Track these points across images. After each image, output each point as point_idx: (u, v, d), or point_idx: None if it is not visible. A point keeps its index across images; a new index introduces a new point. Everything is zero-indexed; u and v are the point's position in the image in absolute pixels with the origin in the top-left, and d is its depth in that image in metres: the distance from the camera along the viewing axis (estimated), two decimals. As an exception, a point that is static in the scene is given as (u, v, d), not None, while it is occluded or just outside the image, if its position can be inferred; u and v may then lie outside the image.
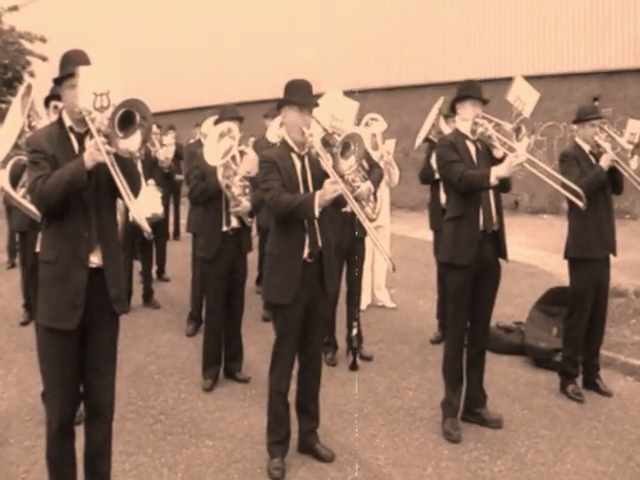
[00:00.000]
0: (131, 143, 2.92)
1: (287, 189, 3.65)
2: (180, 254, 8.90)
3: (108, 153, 2.86)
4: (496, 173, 3.96)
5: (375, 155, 5.72)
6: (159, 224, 7.32)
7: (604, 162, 4.61)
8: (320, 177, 3.64)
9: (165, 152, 8.43)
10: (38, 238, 3.72)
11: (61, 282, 3.00)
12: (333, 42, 17.21)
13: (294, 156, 3.76)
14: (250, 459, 3.89)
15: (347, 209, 4.28)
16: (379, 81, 16.49)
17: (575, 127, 4.90)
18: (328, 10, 17.38)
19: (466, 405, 4.38)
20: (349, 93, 5.10)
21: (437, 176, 5.49)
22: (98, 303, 3.07)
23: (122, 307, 3.21)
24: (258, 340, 5.76)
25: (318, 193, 3.51)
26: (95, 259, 3.07)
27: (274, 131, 6.29)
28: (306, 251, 3.69)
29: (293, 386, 3.90)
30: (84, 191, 2.97)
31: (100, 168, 2.91)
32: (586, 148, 4.78)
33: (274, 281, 3.74)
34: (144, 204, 5.65)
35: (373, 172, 5.32)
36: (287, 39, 17.93)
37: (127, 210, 5.51)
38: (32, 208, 4.01)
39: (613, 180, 4.73)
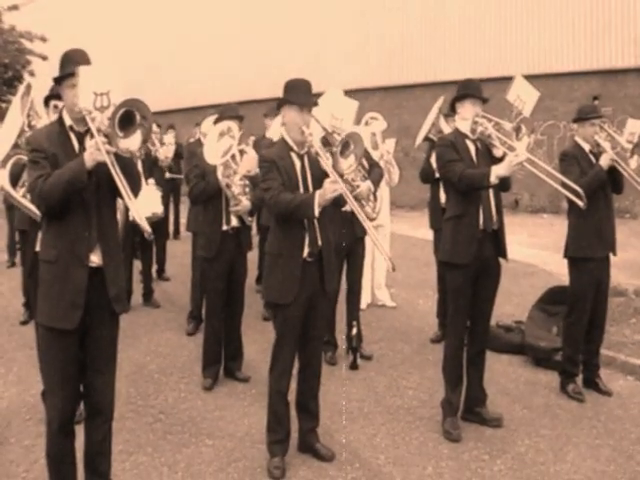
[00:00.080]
0: (131, 143, 2.92)
1: (287, 188, 3.65)
2: (180, 253, 8.91)
3: (108, 153, 2.86)
4: (496, 172, 3.95)
5: (375, 154, 5.73)
6: (159, 223, 7.32)
7: (604, 161, 4.61)
8: (320, 176, 3.64)
9: (165, 151, 8.43)
10: (38, 237, 3.73)
11: (61, 281, 3.01)
12: (333, 42, 17.21)
13: (294, 155, 3.76)
14: (250, 458, 3.89)
15: (347, 208, 4.28)
16: (379, 80, 16.49)
17: (575, 126, 4.90)
18: (328, 10, 17.37)
19: (466, 404, 4.38)
20: (349, 92, 5.10)
21: (437, 175, 5.49)
22: (98, 302, 3.07)
23: (122, 307, 3.21)
24: (258, 339, 5.76)
25: (318, 192, 3.51)
26: (95, 258, 3.07)
27: (276, 130, 6.28)
28: (306, 250, 3.69)
29: (293, 385, 3.90)
30: (84, 191, 2.97)
31: (100, 168, 2.91)
32: (586, 147, 4.78)
33: (274, 280, 3.74)
34: (144, 203, 5.65)
35: (373, 171, 5.32)
36: (287, 39, 17.92)
37: (127, 209, 5.52)
38: (32, 207, 4.01)
39: (613, 180, 4.73)
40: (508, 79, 4.68)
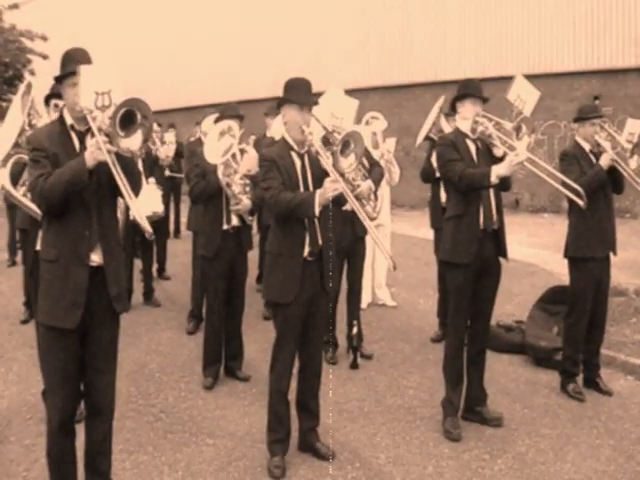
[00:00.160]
0: (132, 142, 2.92)
1: (287, 187, 3.64)
2: (180, 252, 8.92)
3: (109, 152, 2.86)
4: (496, 172, 3.95)
5: (376, 154, 5.72)
6: (160, 222, 7.31)
7: (604, 161, 4.61)
8: (320, 176, 3.63)
9: (166, 150, 8.43)
10: (39, 236, 3.73)
11: (62, 281, 3.01)
12: (333, 41, 17.20)
13: (294, 154, 3.76)
14: (250, 457, 3.89)
15: (347, 208, 4.28)
16: (379, 79, 16.48)
17: (575, 126, 4.89)
18: (328, 9, 17.37)
19: (466, 404, 4.38)
20: (349, 91, 5.10)
21: (438, 175, 5.48)
22: (99, 302, 3.07)
23: (123, 306, 3.21)
24: (258, 338, 5.76)
25: (318, 192, 3.50)
26: (96, 258, 3.07)
27: (277, 128, 6.28)
28: (306, 250, 3.69)
29: (293, 384, 3.90)
30: (85, 190, 2.97)
31: (101, 167, 2.91)
32: (586, 147, 4.78)
33: (274, 279, 3.74)
34: (145, 202, 5.65)
35: (374, 171, 5.31)
36: (287, 38, 17.92)
37: (128, 209, 5.51)
38: (33, 206, 4.01)
39: (614, 179, 4.73)
40: (508, 79, 4.68)
